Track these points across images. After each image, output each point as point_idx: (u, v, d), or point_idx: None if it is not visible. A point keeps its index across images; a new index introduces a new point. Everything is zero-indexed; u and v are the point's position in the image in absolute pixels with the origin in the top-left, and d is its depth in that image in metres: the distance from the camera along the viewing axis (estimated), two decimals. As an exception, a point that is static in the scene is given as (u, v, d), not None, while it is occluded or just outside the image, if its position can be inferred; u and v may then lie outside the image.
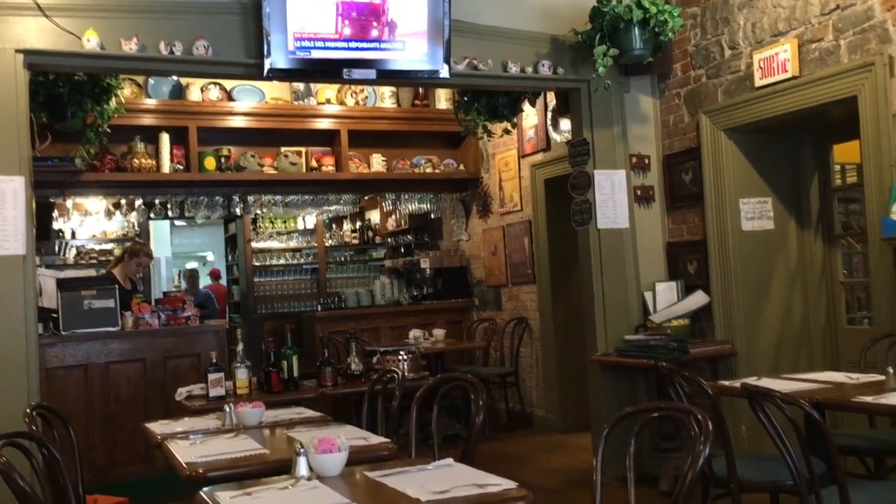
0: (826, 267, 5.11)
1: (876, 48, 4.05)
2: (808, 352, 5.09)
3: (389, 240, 10.22)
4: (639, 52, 4.90)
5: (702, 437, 2.07)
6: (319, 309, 7.94)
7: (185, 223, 11.62)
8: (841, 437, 3.45)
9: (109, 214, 7.65)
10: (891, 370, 3.17)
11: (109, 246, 9.12)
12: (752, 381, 3.37)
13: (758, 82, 4.72)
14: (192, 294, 8.27)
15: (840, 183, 5.20)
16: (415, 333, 6.91)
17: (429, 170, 7.97)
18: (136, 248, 6.68)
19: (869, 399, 2.96)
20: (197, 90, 7.10)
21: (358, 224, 10.79)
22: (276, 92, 7.38)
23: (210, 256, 13.24)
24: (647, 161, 5.49)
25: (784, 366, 4.88)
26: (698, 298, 5.16)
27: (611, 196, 5.31)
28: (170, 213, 7.64)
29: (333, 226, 10.76)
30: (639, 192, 5.45)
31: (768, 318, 5.05)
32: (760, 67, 4.69)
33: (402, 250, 9.78)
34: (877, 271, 4.15)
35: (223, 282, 11.27)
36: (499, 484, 2.07)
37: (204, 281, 10.96)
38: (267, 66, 4.43)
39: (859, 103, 4.14)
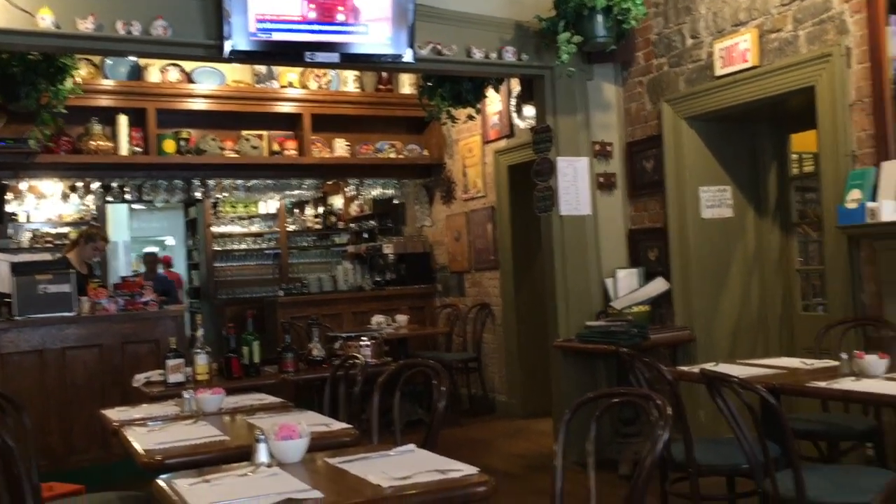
0: (783, 255, 5.20)
1: (834, 39, 4.12)
2: (765, 338, 5.19)
3: (352, 225, 10.17)
4: (602, 40, 4.92)
5: (661, 422, 2.09)
6: (281, 294, 7.87)
7: (143, 207, 11.41)
8: (796, 421, 3.53)
9: (65, 197, 7.49)
10: (844, 356, 3.24)
11: (65, 229, 8.92)
12: (710, 366, 3.41)
13: (718, 71, 4.77)
14: (151, 279, 8.10)
15: (797, 172, 5.29)
16: (377, 319, 6.89)
17: (392, 155, 7.93)
18: (91, 231, 6.55)
19: (823, 384, 3.03)
20: (156, 71, 6.97)
21: (320, 209, 10.71)
22: (237, 74, 7.28)
23: (169, 241, 13.04)
24: (609, 148, 5.52)
25: (741, 352, 4.97)
26: (658, 285, 5.22)
27: (573, 183, 5.34)
28: (128, 197, 7.50)
29: (296, 211, 10.67)
30: (601, 180, 5.48)
31: (726, 305, 5.13)
32: (721, 57, 4.74)
33: (366, 236, 9.74)
34: (832, 259, 4.23)
35: (179, 268, 11.12)
36: (460, 469, 2.07)
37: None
38: (227, 48, 4.36)
39: (817, 93, 4.20)
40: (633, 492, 2.06)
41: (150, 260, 9.06)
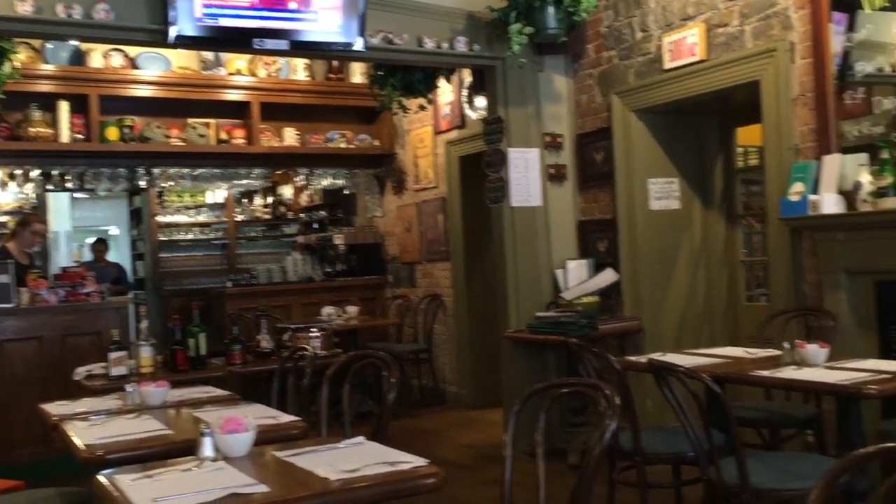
0: (728, 246, 5.30)
1: (779, 34, 4.19)
2: (710, 328, 5.28)
3: (302, 215, 10.06)
4: (553, 32, 4.94)
5: (609, 411, 2.11)
6: (229, 285, 7.76)
7: (86, 196, 11.13)
8: (739, 409, 3.59)
9: (3, 185, 7.25)
10: (786, 345, 3.31)
11: (3, 219, 8.65)
12: (657, 356, 3.46)
13: (667, 65, 4.82)
14: (99, 267, 7.78)
15: (742, 165, 5.38)
16: (328, 310, 6.83)
17: (343, 145, 7.86)
18: (26, 217, 6.37)
19: (765, 373, 3.09)
20: (98, 56, 6.79)
21: (270, 199, 10.58)
22: (183, 61, 7.12)
23: (113, 231, 12.74)
24: (560, 140, 5.55)
25: (688, 341, 5.05)
26: (608, 276, 5.27)
27: (524, 174, 5.36)
28: (69, 185, 7.30)
29: (244, 200, 10.52)
30: (552, 171, 5.51)
31: (674, 296, 5.21)
32: (670, 50, 4.80)
33: (316, 226, 9.65)
34: (775, 250, 4.32)
35: (124, 258, 10.86)
36: (410, 461, 2.06)
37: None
38: (173, 34, 4.26)
39: (762, 88, 4.28)
40: (581, 480, 2.07)
41: (99, 249, 8.50)
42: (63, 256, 11.09)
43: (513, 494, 2.25)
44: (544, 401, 2.35)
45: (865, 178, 3.70)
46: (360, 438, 2.35)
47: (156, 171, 7.37)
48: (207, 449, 2.18)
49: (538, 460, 2.26)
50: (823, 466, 2.66)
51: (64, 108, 6.60)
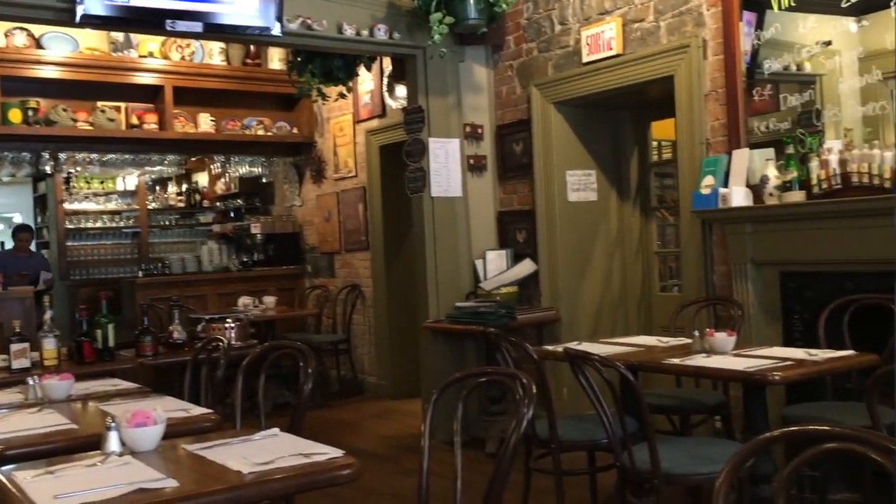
0: (642, 238, 5.42)
1: (692, 31, 4.30)
2: (625, 317, 5.40)
3: (218, 204, 9.83)
4: (473, 22, 4.94)
5: (526, 400, 2.12)
6: (140, 275, 7.52)
7: (-13, 181, 10.62)
8: (652, 396, 3.69)
9: None
10: (696, 334, 3.40)
11: None
12: (573, 345, 3.51)
13: (585, 58, 4.89)
14: (23, 256, 7.22)
15: (657, 158, 5.51)
16: (244, 301, 6.70)
17: (261, 132, 7.70)
18: None
19: (676, 361, 3.17)
20: (0, 34, 6.45)
21: (184, 186, 10.29)
22: (91, 41, 6.83)
23: (17, 218, 12.20)
24: (480, 131, 5.57)
25: (603, 331, 5.15)
26: (526, 267, 5.33)
27: (445, 164, 5.36)
28: (-32, 170, 6.94)
29: (157, 188, 10.21)
30: (472, 162, 5.53)
31: (590, 286, 5.30)
32: (588, 44, 4.86)
33: (232, 215, 9.44)
34: (687, 242, 4.44)
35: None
36: (325, 452, 2.03)
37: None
38: (80, 12, 4.08)
39: (675, 83, 4.38)
40: (497, 469, 2.08)
41: (23, 238, 7.42)
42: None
43: (430, 484, 2.25)
44: (462, 390, 2.35)
45: (772, 173, 3.83)
46: (275, 430, 2.30)
47: (62, 156, 7.06)
48: (113, 443, 2.10)
49: (456, 449, 2.26)
50: (730, 451, 2.75)
51: (-39, 87, 6.27)
